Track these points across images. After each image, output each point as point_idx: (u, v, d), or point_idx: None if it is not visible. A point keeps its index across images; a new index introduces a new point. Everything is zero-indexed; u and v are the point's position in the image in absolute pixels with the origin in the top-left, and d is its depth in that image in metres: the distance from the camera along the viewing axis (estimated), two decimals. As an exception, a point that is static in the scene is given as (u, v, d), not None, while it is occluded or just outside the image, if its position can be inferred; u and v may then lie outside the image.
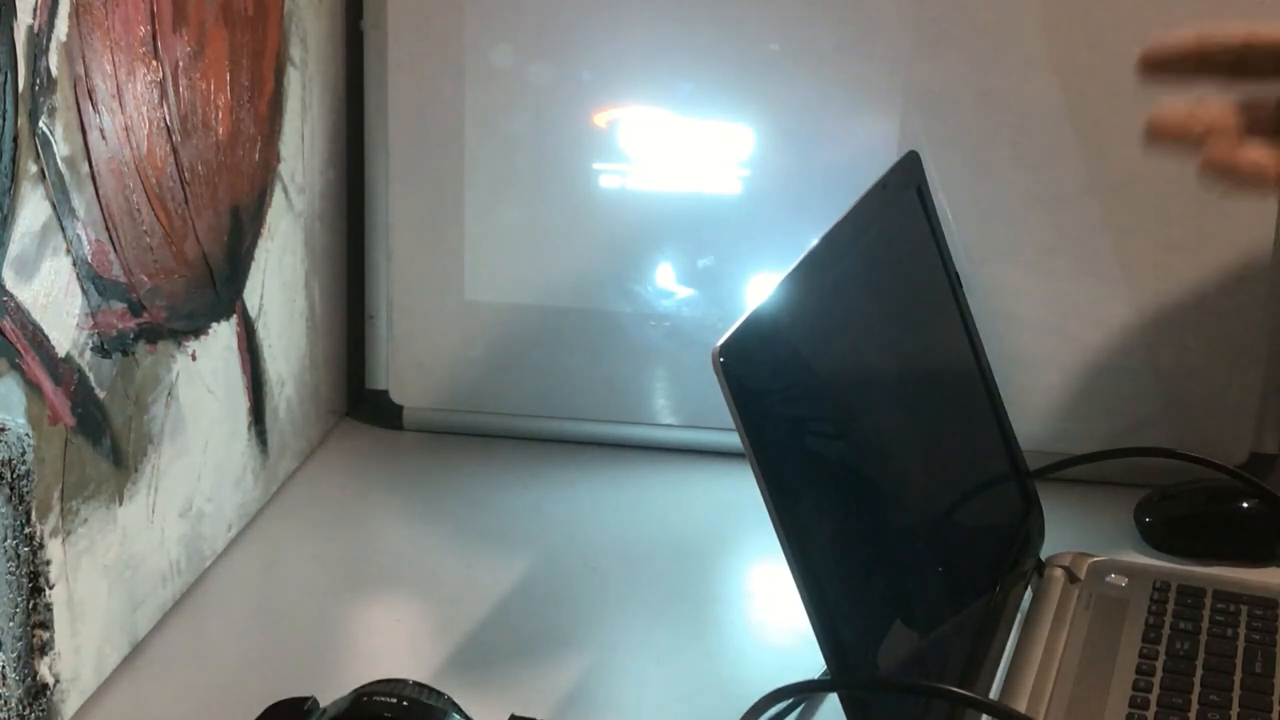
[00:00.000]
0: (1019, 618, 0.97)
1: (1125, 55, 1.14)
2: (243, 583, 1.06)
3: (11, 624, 0.82)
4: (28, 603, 0.83)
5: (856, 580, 0.82)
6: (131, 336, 0.93)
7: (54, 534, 0.85)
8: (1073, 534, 1.08)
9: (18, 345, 0.81)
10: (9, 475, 0.80)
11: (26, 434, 0.82)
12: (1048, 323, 1.19)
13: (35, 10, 0.79)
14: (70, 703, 0.88)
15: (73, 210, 0.85)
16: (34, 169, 0.81)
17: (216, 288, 1.04)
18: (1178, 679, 0.90)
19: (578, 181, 1.22)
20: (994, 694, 0.90)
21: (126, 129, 0.90)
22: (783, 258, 0.82)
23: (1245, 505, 1.09)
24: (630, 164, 1.21)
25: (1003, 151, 1.17)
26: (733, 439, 0.74)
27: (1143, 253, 1.17)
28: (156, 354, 0.96)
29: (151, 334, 0.95)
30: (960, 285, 1.02)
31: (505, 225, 1.23)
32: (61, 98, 0.83)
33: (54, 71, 0.82)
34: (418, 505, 1.18)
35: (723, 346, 0.73)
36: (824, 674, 0.80)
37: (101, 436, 0.90)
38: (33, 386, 0.82)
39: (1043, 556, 1.03)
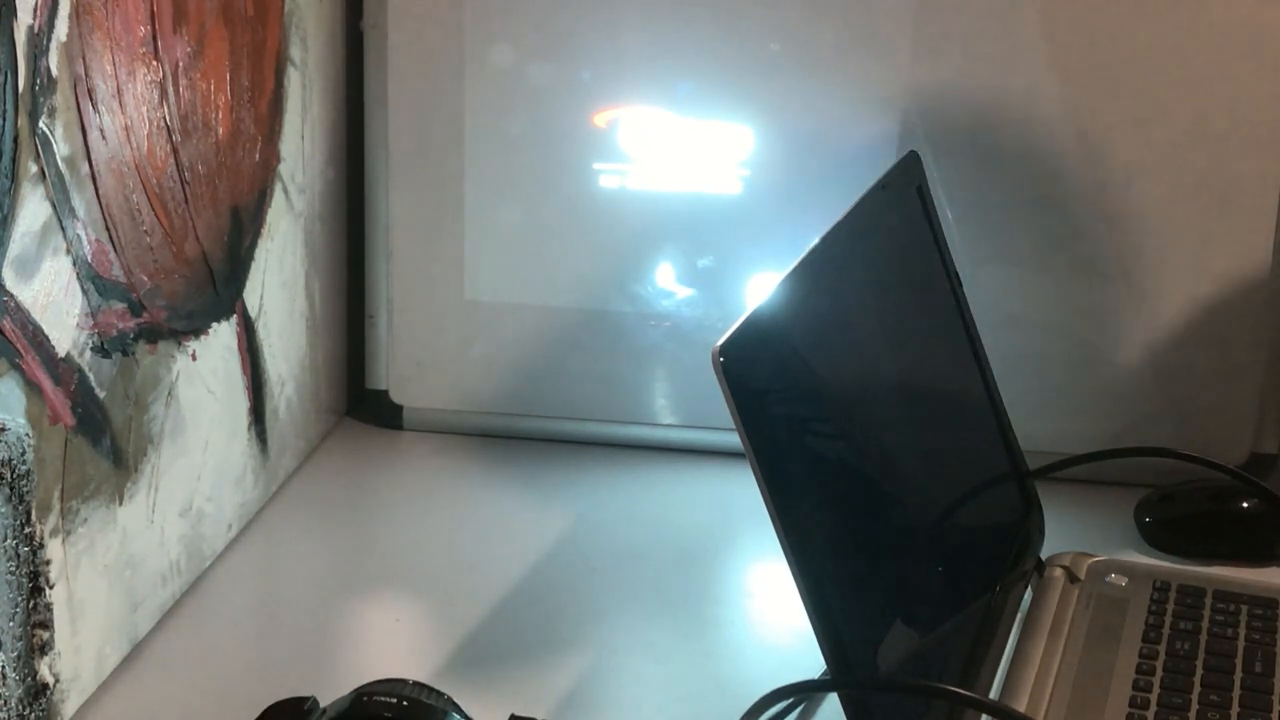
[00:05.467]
0: (1019, 618, 0.97)
1: (1125, 55, 1.15)
2: (243, 583, 1.06)
3: (11, 624, 0.82)
4: (28, 603, 0.83)
5: (856, 580, 0.82)
6: (131, 336, 0.93)
7: (54, 534, 0.85)
8: (1073, 534, 1.08)
9: (18, 345, 0.81)
10: (9, 475, 0.80)
11: (26, 434, 0.82)
12: (1048, 323, 1.19)
13: (35, 10, 0.79)
14: (70, 703, 0.88)
15: (73, 210, 0.85)
16: (34, 169, 0.81)
17: (216, 288, 1.04)
18: (1178, 679, 0.90)
19: (578, 181, 1.22)
20: (994, 694, 0.90)
21: (126, 129, 0.90)
22: (783, 258, 0.82)
23: (1245, 505, 1.09)
24: (630, 164, 1.21)
25: (1003, 151, 1.17)
26: (733, 439, 0.74)
27: (1143, 253, 1.17)
28: (156, 354, 0.96)
29: (151, 334, 0.95)
30: (960, 285, 1.02)
31: (505, 225, 1.23)
32: (61, 98, 0.83)
33: (54, 71, 0.82)
34: (418, 505, 1.18)
35: (723, 346, 0.73)
36: (824, 674, 0.80)
37: (101, 436, 0.90)
38: (33, 386, 0.82)
39: (1043, 556, 1.03)
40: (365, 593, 1.06)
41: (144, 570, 0.96)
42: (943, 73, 1.16)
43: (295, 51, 1.13)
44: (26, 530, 0.82)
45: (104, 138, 0.87)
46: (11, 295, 0.80)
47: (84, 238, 0.86)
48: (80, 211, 0.86)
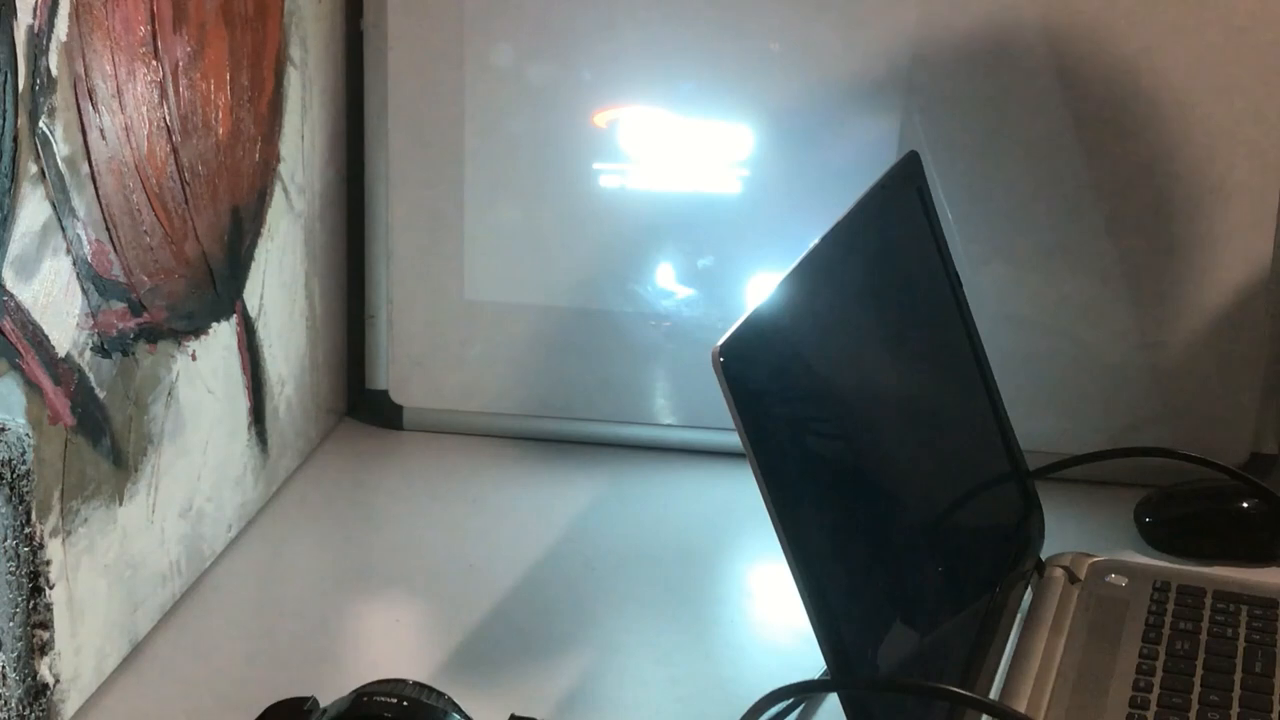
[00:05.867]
0: (1019, 618, 0.97)
1: (1125, 55, 1.15)
2: (243, 583, 1.06)
3: (11, 624, 0.82)
4: (28, 603, 0.83)
5: (856, 580, 0.82)
6: (131, 336, 0.93)
7: (54, 534, 0.85)
8: (1073, 534, 1.08)
9: (18, 345, 0.81)
10: (9, 475, 0.80)
11: (26, 434, 0.82)
12: (1048, 323, 1.19)
13: (35, 10, 0.79)
14: (70, 703, 0.88)
15: (73, 210, 0.85)
16: (34, 169, 0.81)
17: (216, 288, 1.04)
18: (1178, 679, 0.90)
19: (578, 181, 1.22)
20: (994, 694, 0.90)
21: (126, 129, 0.90)
22: (783, 258, 0.82)
23: (1245, 505, 1.09)
24: (630, 164, 1.21)
25: (1003, 151, 1.17)
26: (733, 439, 0.74)
27: (1143, 253, 1.17)
28: (156, 354, 0.96)
29: (151, 334, 0.95)
30: (960, 285, 1.02)
31: (505, 225, 1.23)
32: (61, 98, 0.83)
33: (54, 71, 0.82)
34: (418, 505, 1.18)
35: (723, 346, 0.73)
36: (824, 674, 0.80)
37: (101, 436, 0.90)
38: (33, 386, 0.82)
39: (1043, 556, 1.03)
40: (365, 593, 1.06)
41: (144, 570, 0.96)
42: (943, 73, 1.16)
43: (295, 51, 1.13)
44: (26, 530, 0.82)
45: (104, 138, 0.87)
46: (11, 295, 0.80)
47: (84, 238, 0.86)
48: (80, 211, 0.86)
